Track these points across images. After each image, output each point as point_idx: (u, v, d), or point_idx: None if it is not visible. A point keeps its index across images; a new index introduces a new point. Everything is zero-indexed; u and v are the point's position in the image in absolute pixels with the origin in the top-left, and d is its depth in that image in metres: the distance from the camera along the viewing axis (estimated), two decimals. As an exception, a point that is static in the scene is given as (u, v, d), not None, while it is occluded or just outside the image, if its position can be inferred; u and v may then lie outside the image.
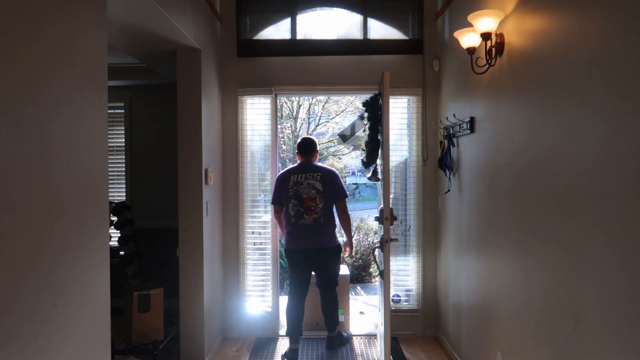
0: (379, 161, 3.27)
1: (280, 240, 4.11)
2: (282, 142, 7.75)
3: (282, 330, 3.75)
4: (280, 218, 3.34)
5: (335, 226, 3.28)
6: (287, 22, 3.66)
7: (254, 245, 3.67)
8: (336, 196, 3.25)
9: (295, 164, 3.40)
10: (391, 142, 3.23)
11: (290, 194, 3.20)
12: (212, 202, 3.27)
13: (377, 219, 3.02)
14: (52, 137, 1.35)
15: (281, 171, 3.39)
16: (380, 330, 3.16)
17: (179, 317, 3.03)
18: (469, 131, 2.73)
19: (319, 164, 3.40)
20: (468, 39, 2.43)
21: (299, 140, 3.51)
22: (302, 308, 3.29)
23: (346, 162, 10.99)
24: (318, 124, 8.46)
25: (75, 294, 1.46)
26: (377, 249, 3.18)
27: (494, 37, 2.28)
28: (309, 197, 3.17)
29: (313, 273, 3.36)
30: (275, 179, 3.56)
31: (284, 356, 3.24)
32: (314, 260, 3.21)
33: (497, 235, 2.38)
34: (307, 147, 3.36)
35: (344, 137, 8.20)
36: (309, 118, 8.23)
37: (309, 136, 3.59)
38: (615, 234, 1.42)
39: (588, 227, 1.56)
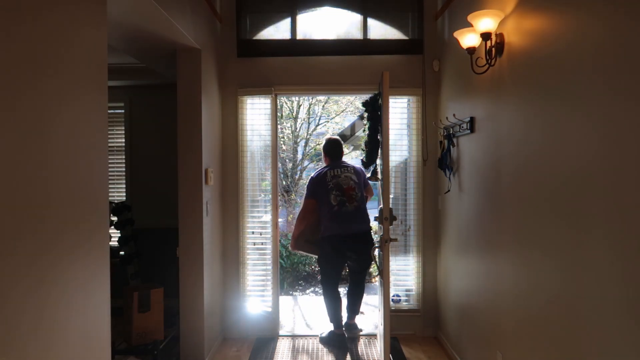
0: (378, 161, 3.28)
1: (280, 241, 4.12)
2: (282, 142, 7.74)
3: (282, 330, 3.76)
4: (309, 216, 3.55)
5: (367, 212, 3.56)
6: (287, 22, 3.66)
7: (254, 245, 3.67)
8: (365, 185, 3.62)
9: (326, 165, 3.63)
10: (391, 142, 3.24)
11: (331, 186, 3.44)
12: (212, 202, 3.27)
13: (376, 218, 3.02)
14: (51, 138, 1.35)
15: (314, 174, 3.64)
16: (380, 330, 3.16)
17: (179, 317, 3.03)
18: (469, 131, 2.73)
19: (347, 162, 3.69)
20: (468, 39, 2.43)
21: (325, 142, 3.73)
22: (339, 295, 3.53)
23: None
24: (318, 124, 8.44)
25: (75, 294, 1.46)
26: (376, 249, 3.18)
27: (493, 37, 2.28)
28: (349, 187, 3.44)
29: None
30: (274, 179, 3.61)
31: (329, 340, 3.47)
32: (354, 247, 3.39)
33: (497, 235, 2.38)
34: (337, 150, 3.66)
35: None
36: (309, 118, 8.22)
37: (334, 138, 3.78)
38: (617, 234, 1.42)
39: (589, 227, 1.56)
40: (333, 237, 3.37)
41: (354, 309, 3.59)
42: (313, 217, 3.55)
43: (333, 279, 3.49)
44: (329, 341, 3.47)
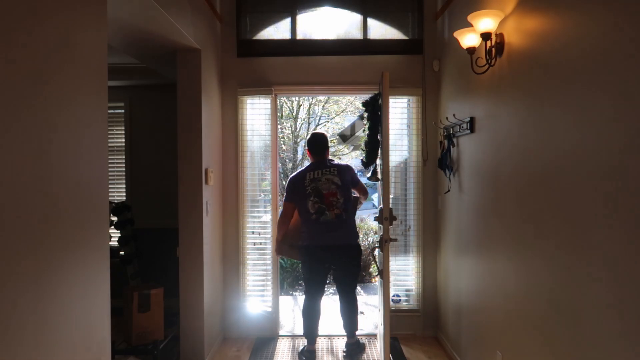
0: (378, 161, 3.27)
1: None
2: (282, 142, 7.75)
3: (282, 330, 3.76)
4: (287, 220, 3.25)
5: (355, 221, 3.23)
6: (287, 22, 3.66)
7: (254, 245, 3.67)
8: (354, 185, 3.23)
9: (308, 165, 3.29)
10: (391, 142, 3.23)
11: (309, 191, 3.11)
12: (212, 202, 3.27)
13: (376, 218, 3.02)
14: (51, 138, 1.35)
15: (294, 173, 3.33)
16: (380, 330, 3.16)
17: (179, 317, 3.03)
18: (469, 131, 2.73)
19: (334, 160, 3.33)
20: (468, 39, 2.43)
21: (309, 137, 3.35)
22: (319, 309, 3.24)
23: (346, 162, 11.00)
24: (318, 124, 8.45)
25: (75, 293, 1.46)
26: (376, 249, 3.18)
27: (493, 37, 2.28)
28: (329, 192, 3.09)
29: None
30: (274, 179, 3.61)
31: (301, 355, 3.23)
32: (335, 259, 3.11)
33: (497, 235, 2.38)
34: (319, 145, 3.26)
35: (344, 137, 8.20)
36: (309, 118, 8.22)
37: (318, 132, 3.42)
38: (617, 236, 1.42)
39: (589, 228, 1.56)
40: (312, 247, 3.10)
41: (351, 327, 3.26)
42: (293, 220, 3.26)
43: (313, 290, 3.19)
44: (298, 355, 3.27)
